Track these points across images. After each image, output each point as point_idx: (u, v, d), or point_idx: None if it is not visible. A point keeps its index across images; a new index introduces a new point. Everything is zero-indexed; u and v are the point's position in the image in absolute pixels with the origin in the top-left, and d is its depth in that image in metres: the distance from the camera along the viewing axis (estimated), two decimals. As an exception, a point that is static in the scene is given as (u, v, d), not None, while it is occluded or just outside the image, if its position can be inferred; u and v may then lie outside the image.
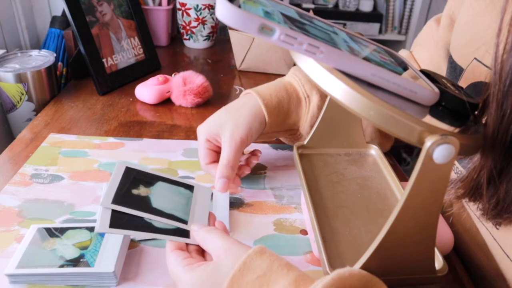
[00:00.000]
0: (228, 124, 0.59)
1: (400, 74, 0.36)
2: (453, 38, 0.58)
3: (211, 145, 0.61)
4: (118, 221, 0.45)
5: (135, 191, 0.49)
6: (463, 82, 0.53)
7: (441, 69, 0.64)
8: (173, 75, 0.91)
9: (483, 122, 0.37)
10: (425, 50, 0.68)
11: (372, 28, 2.45)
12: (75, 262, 0.46)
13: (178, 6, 1.19)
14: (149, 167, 0.66)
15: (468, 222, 0.53)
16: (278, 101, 0.62)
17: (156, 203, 0.49)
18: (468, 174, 0.39)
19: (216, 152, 0.61)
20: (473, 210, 0.51)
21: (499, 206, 0.38)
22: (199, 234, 0.45)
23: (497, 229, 0.46)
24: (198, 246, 0.47)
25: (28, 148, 0.70)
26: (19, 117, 0.86)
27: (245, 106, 0.61)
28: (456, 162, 0.55)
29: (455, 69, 0.55)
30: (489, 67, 0.47)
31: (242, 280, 0.36)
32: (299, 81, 0.64)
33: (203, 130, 0.61)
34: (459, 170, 0.54)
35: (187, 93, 0.86)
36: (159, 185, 0.52)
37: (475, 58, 0.51)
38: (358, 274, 0.34)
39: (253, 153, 0.64)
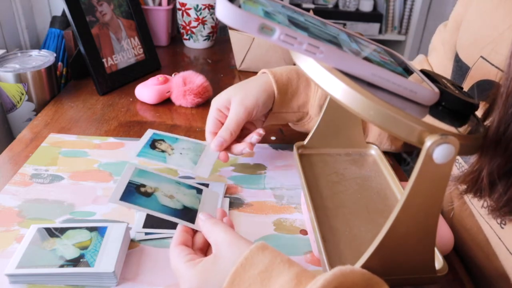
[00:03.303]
0: (238, 94, 0.63)
1: (400, 74, 0.36)
2: (460, 36, 0.58)
3: (221, 115, 0.64)
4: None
5: (143, 190, 0.52)
6: (469, 81, 0.53)
7: (449, 71, 0.64)
8: (173, 75, 0.91)
9: (490, 119, 0.36)
10: (437, 55, 0.69)
11: (372, 28, 2.45)
12: (75, 262, 0.46)
13: (178, 6, 1.19)
14: (151, 168, 0.66)
15: (469, 221, 0.53)
16: (288, 79, 0.65)
17: (163, 202, 0.52)
18: (470, 169, 0.39)
19: (222, 123, 0.64)
20: (476, 208, 0.51)
21: None
22: (205, 224, 0.46)
23: (502, 228, 0.46)
24: (202, 244, 0.48)
25: (28, 148, 0.70)
26: (19, 117, 0.86)
27: (257, 81, 0.65)
28: (459, 158, 0.55)
29: (461, 68, 0.55)
30: (496, 65, 0.48)
31: (244, 275, 0.37)
32: None
33: (215, 100, 0.65)
34: (464, 169, 0.54)
35: (187, 93, 0.86)
36: (168, 186, 0.55)
37: (481, 57, 0.51)
38: (360, 271, 0.34)
39: (255, 130, 0.65)
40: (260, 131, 0.64)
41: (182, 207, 0.52)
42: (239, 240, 0.42)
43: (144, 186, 0.53)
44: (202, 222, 0.46)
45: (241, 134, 0.65)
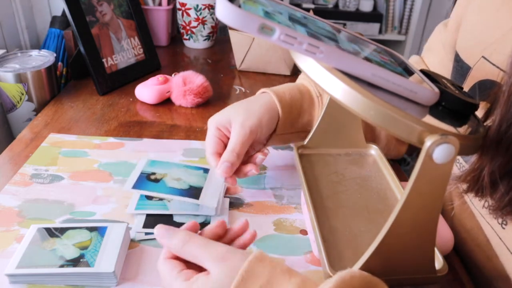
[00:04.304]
0: (239, 113, 0.59)
1: (400, 74, 0.36)
2: (460, 36, 0.58)
3: (221, 134, 0.60)
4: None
5: (153, 177, 0.57)
6: (470, 80, 0.53)
7: (448, 71, 0.63)
8: (173, 75, 0.91)
9: (491, 119, 0.36)
10: (435, 55, 0.68)
11: (372, 28, 2.45)
12: (75, 262, 0.46)
13: (178, 6, 1.19)
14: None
15: (469, 222, 0.53)
16: (291, 98, 0.62)
17: (171, 184, 0.56)
18: (471, 167, 0.39)
19: (224, 144, 0.60)
20: (477, 208, 0.51)
21: None
22: (184, 249, 0.40)
23: (503, 228, 0.46)
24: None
25: (28, 148, 0.70)
26: (19, 117, 0.86)
27: (259, 100, 0.62)
28: (459, 158, 0.55)
29: (462, 68, 0.55)
30: (498, 66, 0.48)
31: None
32: (311, 81, 0.65)
33: (214, 119, 0.61)
34: (464, 169, 0.54)
35: (187, 93, 0.86)
36: (177, 170, 0.59)
37: (483, 57, 0.51)
38: (359, 275, 0.34)
39: (260, 150, 0.62)
40: (266, 150, 0.61)
41: (188, 186, 0.55)
42: (229, 253, 0.38)
43: (154, 174, 0.58)
44: (160, 238, 0.41)
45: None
